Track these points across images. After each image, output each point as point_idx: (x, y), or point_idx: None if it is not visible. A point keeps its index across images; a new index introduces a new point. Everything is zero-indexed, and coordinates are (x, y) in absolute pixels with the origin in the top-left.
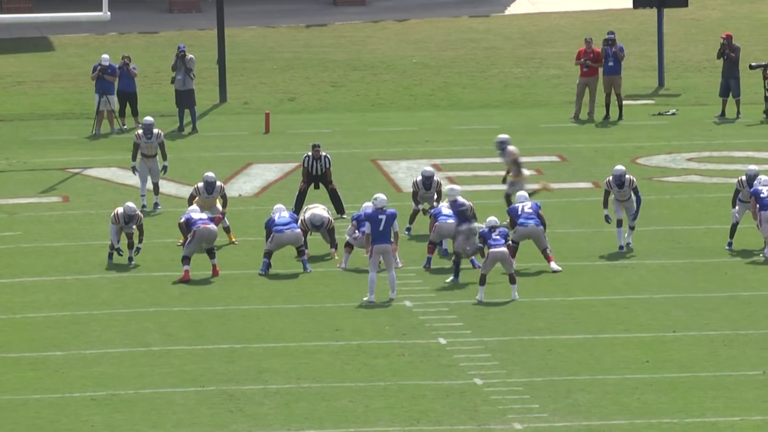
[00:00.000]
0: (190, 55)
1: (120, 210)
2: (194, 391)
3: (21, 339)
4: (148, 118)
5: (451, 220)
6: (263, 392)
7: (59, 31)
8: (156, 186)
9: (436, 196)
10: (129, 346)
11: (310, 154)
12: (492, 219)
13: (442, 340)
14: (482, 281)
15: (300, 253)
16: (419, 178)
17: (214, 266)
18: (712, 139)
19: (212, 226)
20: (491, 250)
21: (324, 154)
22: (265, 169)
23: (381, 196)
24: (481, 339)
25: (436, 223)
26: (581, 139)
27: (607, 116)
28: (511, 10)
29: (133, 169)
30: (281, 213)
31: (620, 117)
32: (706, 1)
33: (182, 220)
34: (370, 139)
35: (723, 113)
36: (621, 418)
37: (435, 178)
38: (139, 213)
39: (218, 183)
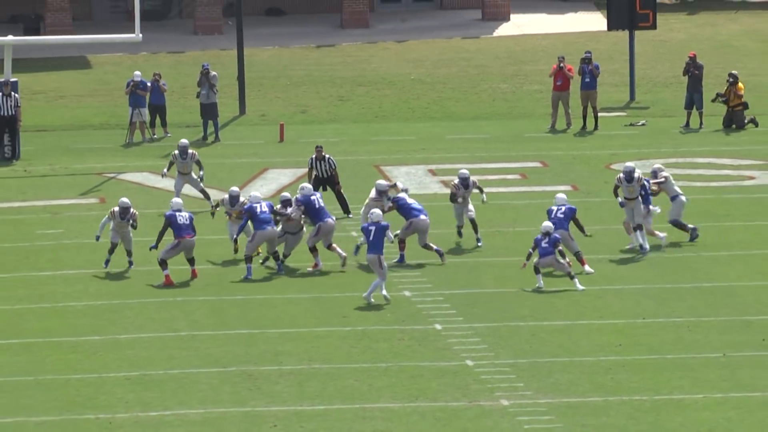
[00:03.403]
0: (213, 72)
1: (116, 209)
2: (217, 372)
3: (63, 325)
4: (184, 141)
5: (423, 216)
6: (278, 372)
7: (96, 51)
8: (204, 192)
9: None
10: (159, 331)
11: (314, 156)
12: (546, 224)
13: (438, 326)
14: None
15: (274, 255)
16: (457, 180)
17: (193, 271)
18: (678, 147)
19: (194, 238)
20: (540, 259)
21: (327, 155)
22: (280, 174)
23: (377, 211)
24: (472, 325)
25: (412, 220)
26: (561, 147)
27: (584, 126)
28: (498, 32)
29: (162, 174)
30: (261, 207)
31: (596, 127)
32: (673, 24)
33: (167, 215)
34: (373, 147)
35: (687, 124)
36: (596, 396)
37: (471, 178)
38: (134, 210)
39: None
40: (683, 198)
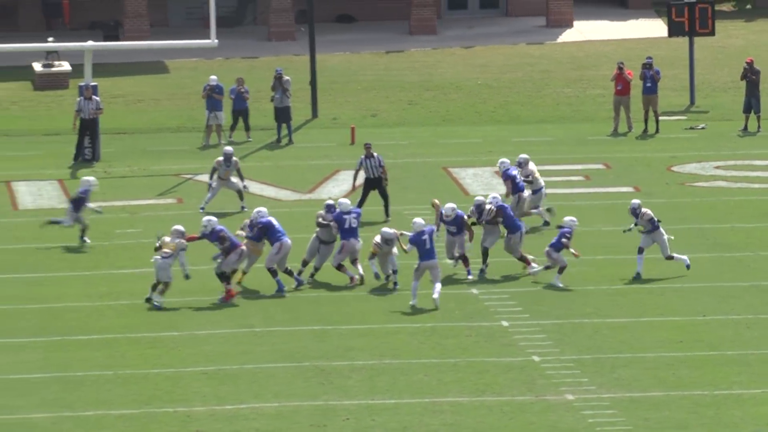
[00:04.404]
0: (287, 77)
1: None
2: (291, 366)
3: (142, 321)
4: (229, 148)
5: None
6: (350, 367)
7: (173, 56)
8: (240, 193)
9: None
10: (234, 327)
11: (363, 155)
12: (569, 219)
13: (504, 323)
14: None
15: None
16: (472, 207)
17: (229, 290)
18: (737, 150)
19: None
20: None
21: (376, 154)
22: (351, 176)
23: (419, 220)
24: (538, 322)
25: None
26: (623, 149)
27: (645, 130)
28: (562, 38)
29: (209, 187)
30: (274, 219)
31: (657, 130)
32: (731, 30)
33: (222, 229)
34: (441, 149)
35: (746, 128)
36: (658, 391)
37: (487, 206)
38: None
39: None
40: (545, 191)
